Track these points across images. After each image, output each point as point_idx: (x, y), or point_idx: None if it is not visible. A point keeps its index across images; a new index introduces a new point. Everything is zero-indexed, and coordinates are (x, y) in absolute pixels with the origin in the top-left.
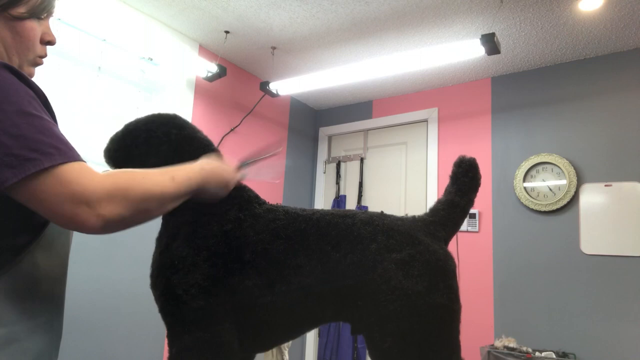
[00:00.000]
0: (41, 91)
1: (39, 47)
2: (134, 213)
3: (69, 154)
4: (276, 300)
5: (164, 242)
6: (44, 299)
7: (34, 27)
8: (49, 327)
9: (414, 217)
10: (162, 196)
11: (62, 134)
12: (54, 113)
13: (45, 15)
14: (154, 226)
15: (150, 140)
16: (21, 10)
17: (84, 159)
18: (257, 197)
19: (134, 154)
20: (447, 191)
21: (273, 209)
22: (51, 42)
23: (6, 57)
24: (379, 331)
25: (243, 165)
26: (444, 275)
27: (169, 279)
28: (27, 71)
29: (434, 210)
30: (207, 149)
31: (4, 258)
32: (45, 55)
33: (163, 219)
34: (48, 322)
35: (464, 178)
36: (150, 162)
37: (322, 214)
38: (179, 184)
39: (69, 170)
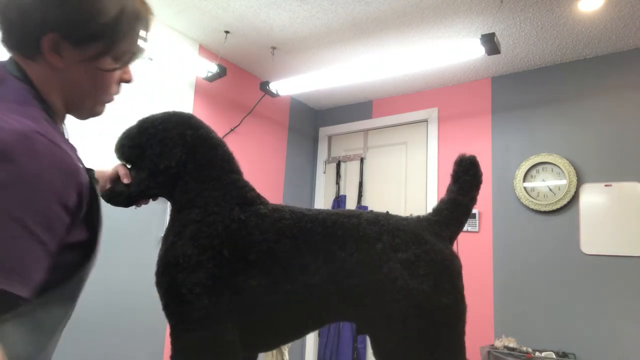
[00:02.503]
0: (79, 177)
1: (115, 88)
2: None
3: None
4: (281, 299)
5: (169, 240)
6: None
7: (114, 73)
8: None
9: (418, 217)
10: None
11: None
12: (96, 200)
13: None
14: (154, 226)
15: (165, 141)
16: (107, 62)
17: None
18: (259, 196)
19: (147, 153)
20: (449, 190)
21: (279, 209)
22: (128, 82)
23: (78, 101)
24: (384, 331)
25: None
26: (449, 275)
27: (174, 277)
28: (98, 111)
29: (438, 210)
30: (220, 149)
31: None
32: (118, 93)
33: (170, 217)
34: None
35: (465, 176)
36: (162, 163)
37: (328, 213)
38: None
39: None
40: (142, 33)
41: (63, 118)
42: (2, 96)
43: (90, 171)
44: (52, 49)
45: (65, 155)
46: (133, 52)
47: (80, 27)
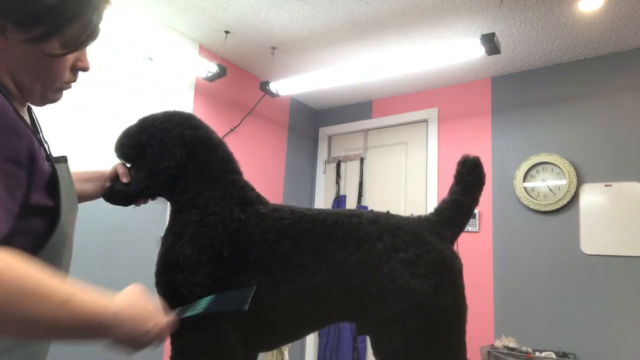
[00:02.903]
0: (15, 120)
1: (68, 75)
2: None
3: None
4: (281, 299)
5: (169, 240)
6: None
7: (65, 59)
8: None
9: (419, 216)
10: (37, 325)
11: None
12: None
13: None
14: (154, 226)
15: (165, 141)
16: (54, 46)
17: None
18: (259, 196)
19: (147, 153)
20: (452, 190)
21: (279, 209)
22: (84, 70)
23: (27, 85)
24: (385, 331)
25: (182, 312)
26: (450, 274)
27: (174, 277)
28: (51, 97)
29: (439, 210)
30: (220, 149)
31: None
32: (74, 81)
33: (170, 217)
34: None
35: (469, 177)
36: (162, 164)
37: (328, 213)
38: (71, 315)
39: None
40: (94, 20)
41: (22, 102)
42: None
43: (58, 158)
44: None
45: (4, 109)
46: (82, 39)
47: (22, 8)
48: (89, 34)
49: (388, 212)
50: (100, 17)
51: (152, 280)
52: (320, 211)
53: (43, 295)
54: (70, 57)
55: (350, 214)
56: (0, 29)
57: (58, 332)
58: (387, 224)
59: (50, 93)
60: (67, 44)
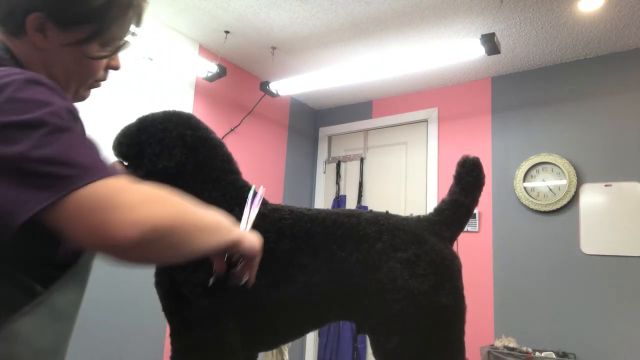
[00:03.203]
0: (73, 105)
1: (101, 73)
2: (166, 246)
3: (105, 171)
4: (281, 299)
5: None
6: None
7: (95, 52)
8: None
9: (418, 216)
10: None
11: (93, 150)
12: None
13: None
14: None
15: (164, 141)
16: (95, 48)
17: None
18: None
19: (146, 152)
20: (452, 191)
21: (278, 209)
22: (116, 68)
23: (63, 82)
24: (384, 330)
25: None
26: (449, 274)
27: (174, 277)
28: (82, 95)
29: (439, 210)
30: (220, 150)
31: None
32: (105, 79)
33: None
34: None
35: (468, 177)
36: (161, 163)
37: (328, 213)
38: (225, 241)
39: (108, 185)
40: (132, 27)
41: None
42: None
43: None
44: (36, 29)
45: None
46: (123, 40)
47: (68, 9)
48: (126, 34)
49: (387, 212)
50: (140, 18)
51: (152, 280)
52: (319, 211)
53: (213, 227)
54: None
55: (350, 214)
56: (40, 27)
57: (209, 252)
58: (386, 223)
59: (82, 90)
60: (106, 44)
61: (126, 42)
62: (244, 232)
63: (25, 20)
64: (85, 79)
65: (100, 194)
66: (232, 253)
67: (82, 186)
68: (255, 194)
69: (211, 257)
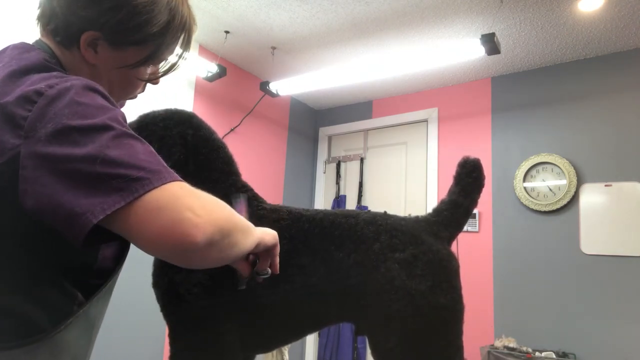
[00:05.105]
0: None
1: (142, 88)
2: (223, 247)
3: (172, 174)
4: (279, 299)
5: None
6: None
7: (145, 74)
8: None
9: (417, 217)
10: (241, 251)
11: (155, 154)
12: None
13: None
14: None
15: (164, 139)
16: (145, 69)
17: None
18: (256, 196)
19: None
20: (451, 191)
21: (277, 209)
22: (154, 83)
23: (107, 93)
24: (382, 330)
25: None
26: (447, 275)
27: (172, 278)
28: (119, 104)
29: (438, 211)
30: (222, 152)
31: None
32: (143, 92)
33: None
34: None
35: (468, 178)
36: None
37: (325, 214)
38: (251, 243)
39: (176, 188)
40: (182, 51)
41: None
42: (31, 61)
43: None
44: (89, 45)
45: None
46: (170, 61)
47: (126, 33)
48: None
49: (385, 212)
50: (190, 42)
51: (151, 280)
52: (317, 212)
53: (247, 229)
54: (147, 74)
55: (347, 215)
56: (92, 43)
57: (245, 253)
58: (384, 224)
59: (120, 102)
60: (156, 65)
61: (177, 66)
62: (256, 228)
63: (80, 36)
64: (128, 94)
65: (171, 196)
66: (254, 252)
67: (154, 188)
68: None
69: (233, 264)
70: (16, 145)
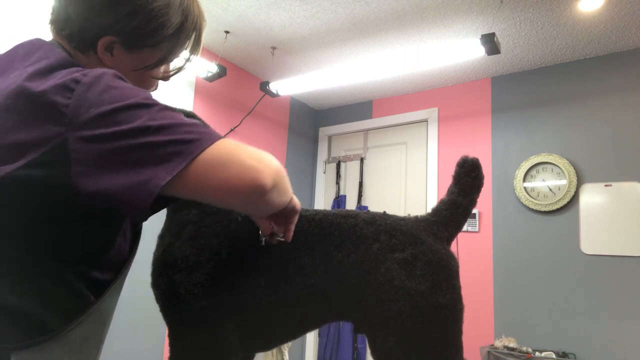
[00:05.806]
0: None
1: (154, 84)
2: (279, 194)
3: (218, 134)
4: (279, 300)
5: (166, 240)
6: None
7: (159, 73)
8: None
9: (416, 217)
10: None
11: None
12: None
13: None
14: (152, 226)
15: None
16: (159, 69)
17: None
18: None
19: None
20: (450, 191)
21: None
22: (165, 80)
23: None
24: (381, 331)
25: None
26: (446, 275)
27: (172, 278)
28: None
29: (437, 210)
30: None
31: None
32: (156, 89)
33: (166, 217)
34: None
35: (467, 178)
36: None
37: (325, 214)
38: (287, 200)
39: (227, 143)
40: (189, 54)
41: None
42: (52, 57)
43: None
44: (105, 49)
45: None
46: (181, 60)
47: (142, 37)
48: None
49: (384, 212)
50: (200, 40)
51: (149, 280)
52: (316, 212)
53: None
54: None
55: (347, 215)
56: (108, 47)
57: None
58: (384, 224)
59: None
60: (168, 63)
61: (190, 61)
62: None
63: (97, 42)
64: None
65: (228, 150)
66: (279, 215)
67: (209, 146)
68: None
69: (257, 221)
70: (60, 133)
